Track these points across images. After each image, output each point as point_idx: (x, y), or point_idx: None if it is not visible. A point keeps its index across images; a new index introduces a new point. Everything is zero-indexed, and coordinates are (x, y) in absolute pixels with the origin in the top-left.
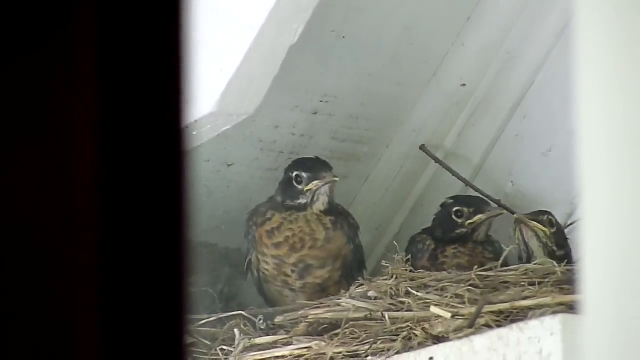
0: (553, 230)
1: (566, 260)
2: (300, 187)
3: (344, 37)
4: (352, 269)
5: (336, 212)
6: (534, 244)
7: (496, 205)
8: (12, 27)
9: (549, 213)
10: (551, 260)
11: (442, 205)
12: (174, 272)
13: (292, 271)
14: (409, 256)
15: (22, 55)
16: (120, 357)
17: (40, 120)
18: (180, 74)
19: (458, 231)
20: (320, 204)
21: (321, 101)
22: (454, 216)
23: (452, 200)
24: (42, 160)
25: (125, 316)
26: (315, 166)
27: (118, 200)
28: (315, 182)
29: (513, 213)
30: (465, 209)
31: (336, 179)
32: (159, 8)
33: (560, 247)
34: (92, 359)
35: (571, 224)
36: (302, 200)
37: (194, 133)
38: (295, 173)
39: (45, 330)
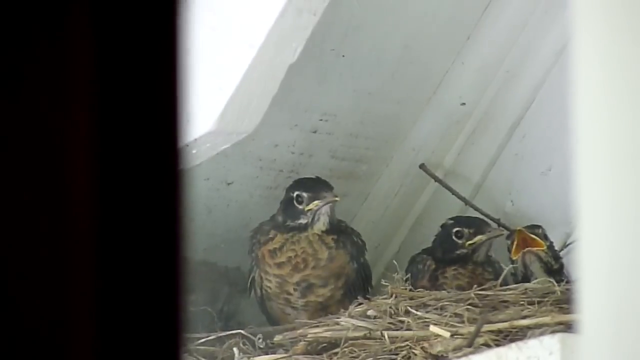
0: (547, 244)
1: (562, 274)
2: (301, 207)
3: (343, 56)
4: (355, 287)
5: (339, 231)
6: (536, 267)
7: (496, 226)
8: (9, 43)
9: (541, 227)
10: (550, 279)
11: (443, 226)
12: (170, 290)
13: (295, 289)
14: (409, 275)
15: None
16: None
17: (35, 138)
18: (176, 92)
19: (458, 252)
20: (321, 224)
21: (320, 120)
22: (454, 237)
23: (452, 221)
24: (38, 177)
25: (120, 335)
26: (316, 186)
27: (114, 219)
28: (315, 202)
29: (512, 231)
30: (466, 230)
31: (337, 198)
32: (155, 27)
33: (556, 259)
34: None
35: (570, 243)
36: (303, 220)
37: (194, 151)
38: (295, 193)
39: (41, 345)
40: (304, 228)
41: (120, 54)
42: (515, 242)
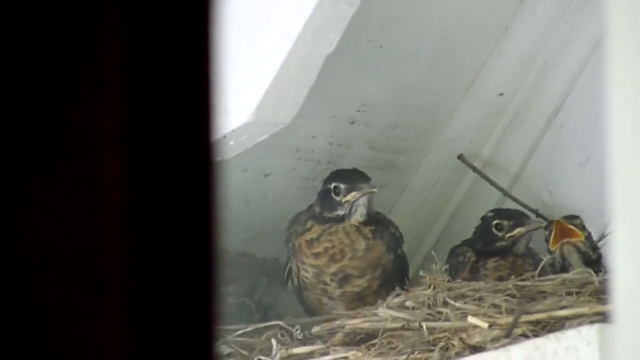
0: (585, 235)
1: (600, 264)
2: (338, 198)
3: (381, 47)
4: (392, 278)
5: (376, 221)
6: (574, 257)
7: (535, 217)
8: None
9: (579, 217)
10: (589, 270)
11: (483, 218)
12: (204, 282)
13: (331, 280)
14: (447, 267)
15: (50, 64)
16: None
17: (67, 131)
18: (210, 84)
19: (498, 244)
20: (359, 215)
21: (358, 111)
22: (494, 229)
23: (492, 214)
24: (70, 171)
25: (154, 327)
26: (353, 177)
27: (147, 212)
28: (353, 194)
29: (550, 222)
30: (505, 222)
31: (374, 190)
32: (190, 18)
33: (594, 250)
34: None
35: (608, 233)
36: (340, 212)
37: (231, 143)
38: (333, 184)
39: (73, 342)
40: (341, 219)
41: (154, 45)
42: (553, 233)
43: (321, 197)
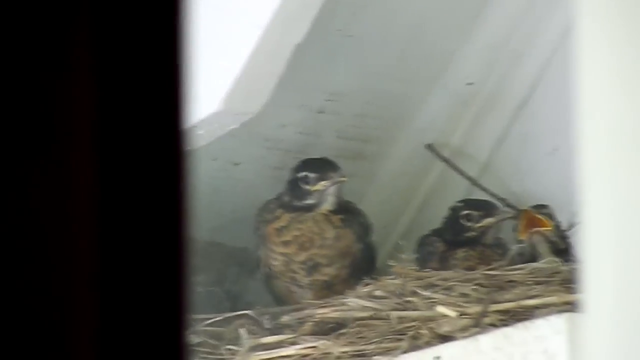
0: (554, 224)
1: (569, 253)
2: (307, 187)
3: (350, 36)
4: (361, 267)
5: (346, 210)
6: (543, 247)
7: (504, 206)
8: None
9: (547, 206)
10: (557, 259)
11: (452, 209)
12: (173, 271)
13: (301, 268)
14: (416, 256)
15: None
16: (120, 356)
17: (35, 119)
18: (179, 73)
19: (467, 234)
20: (328, 204)
21: (328, 100)
22: (463, 219)
23: (461, 204)
24: (39, 159)
25: (124, 316)
26: (323, 166)
27: (116, 201)
28: (322, 183)
29: (519, 211)
30: (475, 213)
31: (344, 179)
32: (158, 8)
33: (563, 239)
34: (89, 358)
35: (577, 223)
36: (310, 201)
37: (201, 132)
38: (302, 173)
39: (41, 329)
40: (310, 208)
41: (124, 34)
42: (522, 223)
43: (290, 186)
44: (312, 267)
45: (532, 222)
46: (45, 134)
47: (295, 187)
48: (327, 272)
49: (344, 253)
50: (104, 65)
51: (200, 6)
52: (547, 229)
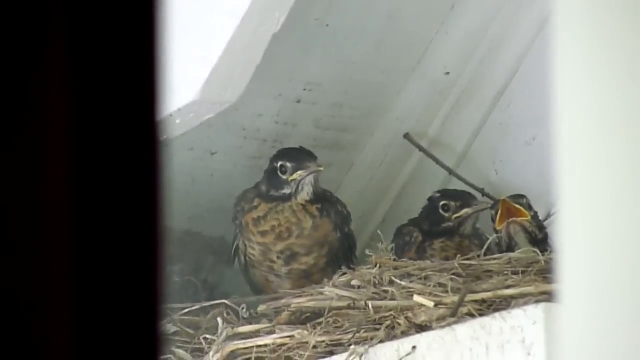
0: (532, 214)
1: (546, 243)
2: (284, 177)
3: (327, 25)
4: (339, 256)
5: (323, 199)
6: (520, 237)
7: (481, 196)
8: None
9: (525, 196)
10: (534, 249)
11: (429, 199)
12: (148, 261)
13: (278, 257)
14: (393, 245)
15: None
16: (94, 345)
17: (10, 106)
18: (155, 63)
19: (445, 225)
20: (305, 194)
21: (304, 89)
22: (440, 210)
23: (438, 194)
24: (14, 149)
25: (98, 306)
26: (300, 156)
27: (91, 190)
28: (299, 172)
29: (497, 201)
30: (452, 203)
31: (320, 168)
32: None
33: (540, 229)
34: (64, 347)
35: (554, 212)
36: (287, 190)
37: (177, 121)
38: (279, 163)
39: (15, 313)
40: (287, 198)
41: (99, 22)
42: (499, 212)
43: (267, 176)
44: (290, 257)
45: (509, 212)
46: (18, 121)
47: (272, 176)
48: (305, 261)
49: (321, 242)
50: (78, 54)
51: None
52: (525, 218)
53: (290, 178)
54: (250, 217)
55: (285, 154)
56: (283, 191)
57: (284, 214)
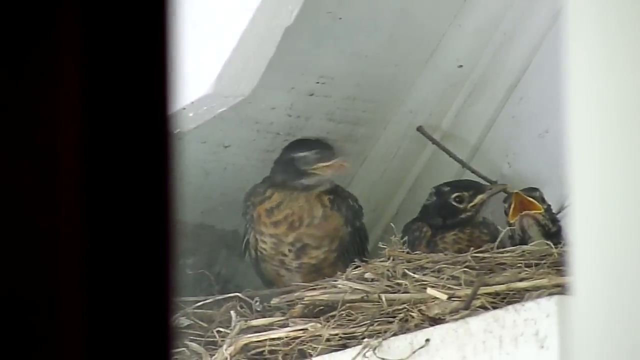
0: (545, 207)
1: (560, 236)
2: (304, 168)
3: (340, 19)
4: (350, 251)
5: (335, 193)
6: (533, 230)
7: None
8: None
9: (538, 190)
10: (548, 242)
11: (438, 194)
12: (161, 254)
13: (290, 250)
14: (406, 238)
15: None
16: (106, 338)
17: (21, 102)
18: (167, 56)
19: (462, 215)
20: (324, 187)
21: (317, 82)
22: (454, 202)
23: (448, 187)
24: (26, 143)
25: (110, 298)
26: (322, 148)
27: (104, 184)
28: (322, 165)
29: (510, 194)
30: (465, 193)
31: (345, 164)
32: None
33: (553, 222)
34: (77, 338)
35: (567, 205)
36: (306, 181)
37: (190, 115)
38: (299, 154)
39: (28, 311)
40: (306, 188)
41: (111, 16)
42: (512, 205)
43: (283, 166)
44: (300, 250)
45: (523, 205)
46: (31, 116)
47: (290, 167)
48: (315, 255)
49: (331, 236)
50: (90, 49)
51: None
52: (538, 212)
53: (312, 169)
54: (263, 208)
55: (306, 144)
56: (302, 181)
57: (298, 202)
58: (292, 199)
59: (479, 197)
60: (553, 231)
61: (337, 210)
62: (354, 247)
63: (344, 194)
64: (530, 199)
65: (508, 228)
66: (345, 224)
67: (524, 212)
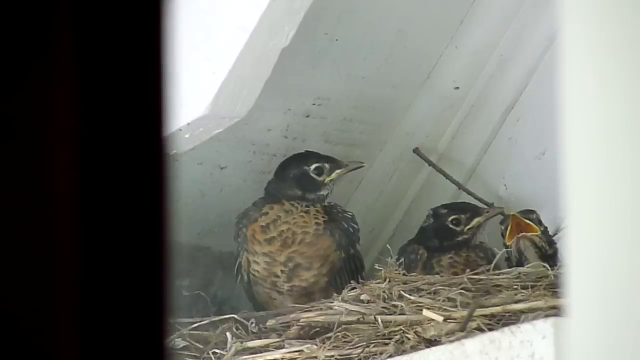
0: (542, 229)
1: (556, 258)
2: (320, 178)
3: (337, 40)
4: (342, 277)
5: (330, 214)
6: (530, 252)
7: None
8: None
9: (535, 212)
10: (544, 264)
11: (435, 216)
12: (156, 276)
13: (282, 271)
14: (402, 260)
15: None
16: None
17: (18, 124)
18: (163, 77)
19: (459, 238)
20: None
21: (314, 104)
22: (450, 225)
23: (445, 210)
24: (22, 165)
25: (105, 321)
26: (328, 157)
27: (99, 205)
28: (337, 172)
29: (507, 216)
30: (462, 216)
31: (364, 164)
32: (141, 11)
33: (550, 244)
34: None
35: (564, 227)
36: (324, 192)
37: (186, 136)
38: (314, 165)
39: (24, 333)
40: (322, 199)
41: (107, 38)
42: (509, 227)
43: (296, 180)
44: (293, 270)
45: (519, 227)
46: (26, 136)
47: (304, 179)
48: (306, 277)
49: (322, 257)
50: (86, 69)
51: (186, 10)
52: (535, 234)
53: (328, 179)
54: (257, 225)
55: (316, 155)
56: (320, 193)
57: (294, 218)
58: (289, 215)
59: (476, 220)
60: (549, 253)
61: (330, 234)
62: (347, 274)
63: (339, 216)
64: (527, 221)
65: (504, 250)
66: (338, 249)
67: (520, 234)
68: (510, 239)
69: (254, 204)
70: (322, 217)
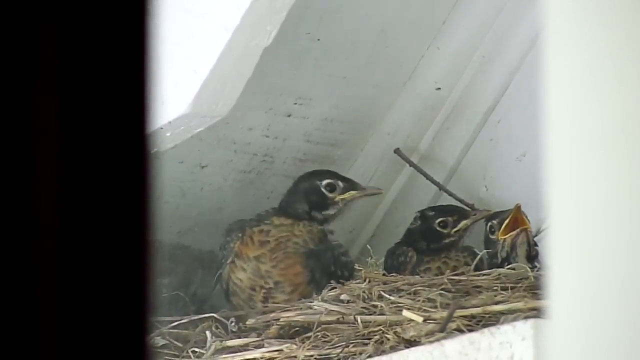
0: None
1: (537, 259)
2: (331, 195)
3: (318, 40)
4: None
5: (316, 255)
6: (522, 249)
7: (473, 210)
8: None
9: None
10: (527, 264)
11: (423, 218)
12: (137, 274)
13: (261, 287)
14: (388, 266)
15: None
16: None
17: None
18: (145, 76)
19: (447, 240)
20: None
21: (295, 103)
22: (438, 227)
23: (432, 212)
24: (3, 163)
25: (86, 319)
26: (347, 178)
27: (80, 203)
28: (351, 192)
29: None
30: (449, 218)
31: (381, 190)
32: (123, 10)
33: (534, 244)
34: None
35: (544, 229)
36: (332, 211)
37: (168, 134)
38: (326, 181)
39: (4, 332)
40: (330, 219)
41: (89, 36)
42: (508, 220)
43: (305, 194)
44: (269, 292)
45: (517, 222)
46: (8, 132)
47: (314, 195)
48: (279, 300)
49: (293, 284)
50: (68, 66)
51: (169, 9)
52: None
53: (340, 197)
54: (258, 229)
55: (330, 172)
56: (328, 212)
57: (289, 228)
58: (281, 231)
59: (463, 223)
60: (532, 254)
61: (310, 272)
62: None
63: (319, 252)
64: (525, 218)
65: (484, 251)
66: (310, 283)
67: (522, 228)
68: (506, 232)
69: (258, 215)
70: (312, 241)
